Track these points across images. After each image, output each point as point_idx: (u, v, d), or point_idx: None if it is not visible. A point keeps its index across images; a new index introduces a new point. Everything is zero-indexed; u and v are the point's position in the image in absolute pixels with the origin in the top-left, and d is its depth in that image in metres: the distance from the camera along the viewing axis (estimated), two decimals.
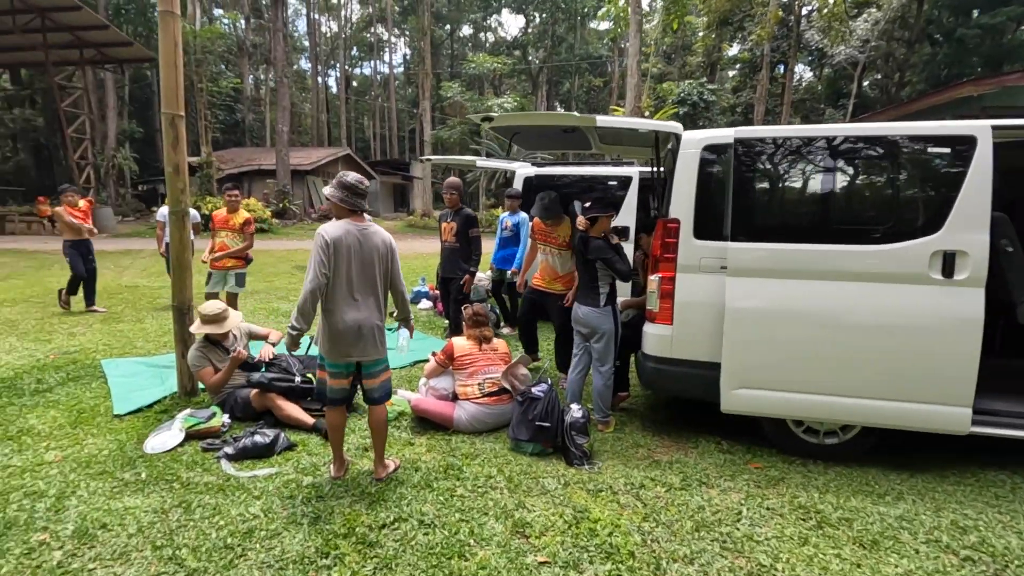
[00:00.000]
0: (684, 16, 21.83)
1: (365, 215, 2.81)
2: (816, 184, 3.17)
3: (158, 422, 3.53)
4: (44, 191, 23.52)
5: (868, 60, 26.43)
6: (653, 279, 3.34)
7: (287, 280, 9.61)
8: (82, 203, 6.93)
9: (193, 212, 7.98)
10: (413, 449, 3.31)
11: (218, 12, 36.03)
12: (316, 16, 45.54)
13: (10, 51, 19.10)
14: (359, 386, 2.94)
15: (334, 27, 48.89)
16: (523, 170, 6.82)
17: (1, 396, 3.93)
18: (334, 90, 50.75)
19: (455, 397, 3.68)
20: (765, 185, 3.24)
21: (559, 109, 44.30)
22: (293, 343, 2.75)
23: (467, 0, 44.61)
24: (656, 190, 5.16)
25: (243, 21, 35.73)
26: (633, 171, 6.29)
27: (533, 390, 3.30)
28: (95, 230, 7.00)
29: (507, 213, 6.05)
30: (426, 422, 3.63)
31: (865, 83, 30.65)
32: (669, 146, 4.30)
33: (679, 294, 3.25)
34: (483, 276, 6.32)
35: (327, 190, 2.81)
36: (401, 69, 49.73)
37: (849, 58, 23.73)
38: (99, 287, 8.32)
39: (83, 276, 6.76)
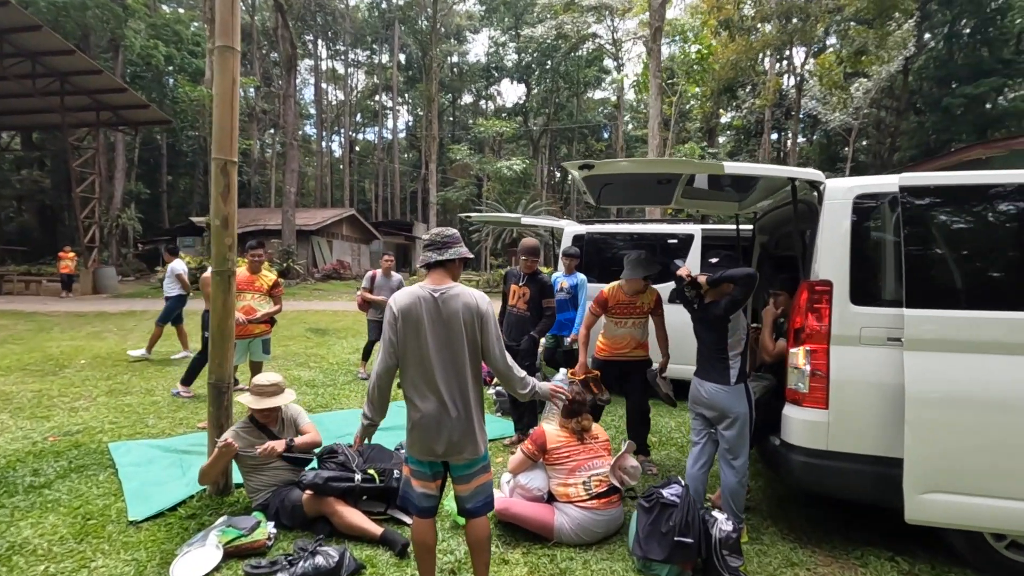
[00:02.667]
0: (703, 80, 22.49)
1: (450, 274, 2.23)
2: None
3: (185, 532, 2.82)
4: (46, 251, 23.16)
5: (860, 126, 27.18)
6: (797, 352, 2.78)
7: (303, 344, 8.96)
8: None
9: (181, 264, 7.35)
10: (511, 569, 2.61)
11: None
12: (324, 85, 47.31)
13: (26, 114, 19.15)
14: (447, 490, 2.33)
15: (340, 95, 50.69)
16: (571, 228, 6.39)
17: None
18: (337, 154, 51.96)
19: (551, 498, 3.00)
20: (955, 241, 2.70)
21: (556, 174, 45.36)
22: (364, 435, 2.30)
23: (471, 71, 46.50)
24: (740, 249, 4.71)
25: (252, 89, 36.80)
26: (695, 229, 5.86)
27: (664, 493, 2.63)
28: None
29: (562, 273, 5.55)
30: (516, 529, 2.93)
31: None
32: (774, 198, 3.86)
33: (835, 371, 2.67)
34: None
35: None
36: (403, 135, 51.03)
37: (843, 124, 24.41)
38: (102, 352, 7.66)
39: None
